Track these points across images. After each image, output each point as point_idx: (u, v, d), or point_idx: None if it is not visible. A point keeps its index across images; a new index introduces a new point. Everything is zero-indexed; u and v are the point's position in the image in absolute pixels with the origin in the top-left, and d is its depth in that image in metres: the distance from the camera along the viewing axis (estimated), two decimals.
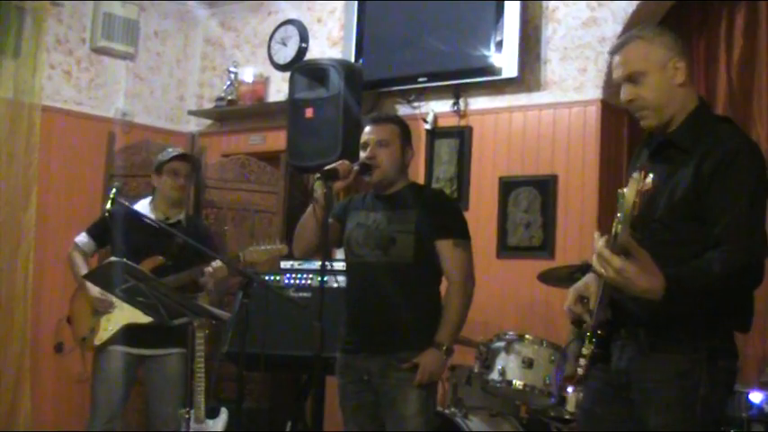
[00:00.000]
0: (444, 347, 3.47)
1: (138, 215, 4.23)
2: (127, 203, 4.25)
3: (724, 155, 2.42)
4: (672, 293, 2.25)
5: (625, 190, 2.14)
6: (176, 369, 4.36)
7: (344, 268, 3.74)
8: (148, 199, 4.52)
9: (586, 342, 2.51)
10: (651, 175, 2.16)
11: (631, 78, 2.58)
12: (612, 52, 2.65)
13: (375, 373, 3.47)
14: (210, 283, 4.38)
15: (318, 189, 3.39)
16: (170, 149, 4.59)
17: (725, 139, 2.47)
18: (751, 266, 2.36)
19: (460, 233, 3.61)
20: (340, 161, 3.48)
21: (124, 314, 4.25)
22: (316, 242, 3.55)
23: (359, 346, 3.53)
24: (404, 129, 3.66)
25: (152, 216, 4.34)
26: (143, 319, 4.10)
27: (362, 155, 3.57)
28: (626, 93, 2.60)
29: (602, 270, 2.24)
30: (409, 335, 3.47)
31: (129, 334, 4.27)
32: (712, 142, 2.46)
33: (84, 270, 4.36)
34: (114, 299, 4.23)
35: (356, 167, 3.47)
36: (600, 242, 2.25)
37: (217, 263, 4.27)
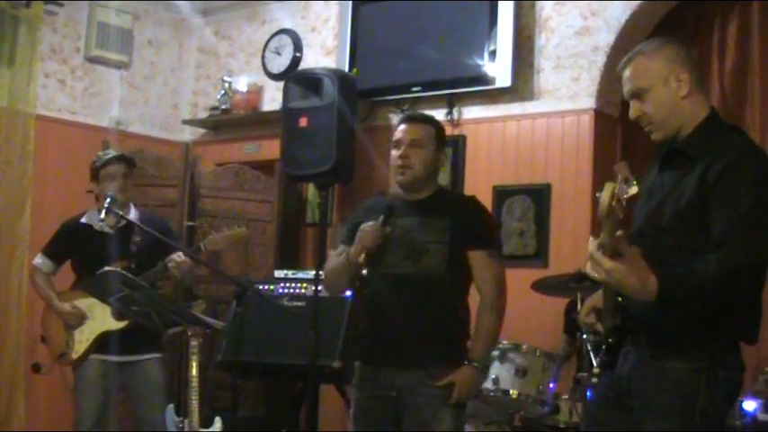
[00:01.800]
0: (480, 366, 3.31)
1: (90, 228, 4.30)
2: (76, 217, 4.38)
3: (729, 161, 2.41)
4: (665, 293, 2.24)
5: (602, 193, 2.16)
6: (156, 373, 4.36)
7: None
8: (95, 208, 4.35)
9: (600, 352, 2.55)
10: (635, 183, 2.17)
11: (636, 95, 2.60)
12: (620, 69, 2.66)
13: (405, 389, 3.23)
14: (177, 275, 4.33)
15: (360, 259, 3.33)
16: (100, 153, 4.50)
17: (732, 146, 2.47)
18: (748, 268, 2.34)
19: (494, 244, 3.45)
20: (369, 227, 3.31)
21: (96, 324, 4.26)
22: (348, 283, 3.51)
23: (386, 360, 3.28)
24: (440, 131, 3.42)
25: (102, 224, 4.23)
26: (115, 325, 4.15)
27: (394, 153, 3.35)
28: (632, 109, 2.62)
29: (595, 273, 2.26)
30: (440, 349, 3.26)
31: (106, 342, 4.26)
32: (719, 150, 2.46)
33: (48, 290, 4.36)
34: (86, 310, 4.27)
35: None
36: (591, 245, 2.26)
37: (179, 255, 4.21)
